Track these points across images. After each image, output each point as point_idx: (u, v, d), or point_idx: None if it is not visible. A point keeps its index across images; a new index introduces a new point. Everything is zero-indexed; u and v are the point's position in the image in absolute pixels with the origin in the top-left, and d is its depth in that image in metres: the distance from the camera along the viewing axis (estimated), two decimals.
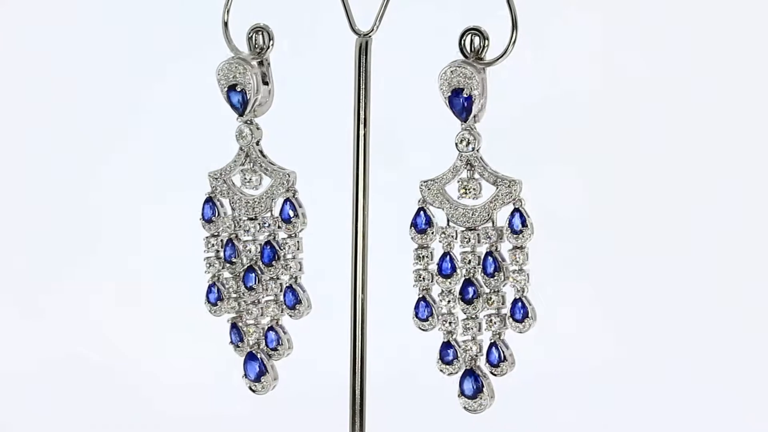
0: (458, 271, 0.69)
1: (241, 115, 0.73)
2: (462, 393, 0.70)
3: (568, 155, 1.34)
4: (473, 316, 0.69)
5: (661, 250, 1.33)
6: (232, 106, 0.74)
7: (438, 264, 0.70)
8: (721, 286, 1.32)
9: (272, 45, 0.73)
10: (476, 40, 0.68)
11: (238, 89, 0.73)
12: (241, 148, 0.74)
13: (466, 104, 0.67)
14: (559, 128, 1.33)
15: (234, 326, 0.75)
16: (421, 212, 0.70)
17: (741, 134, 1.33)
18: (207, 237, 0.76)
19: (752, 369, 1.27)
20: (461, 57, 0.68)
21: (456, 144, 0.69)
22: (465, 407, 0.70)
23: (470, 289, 0.69)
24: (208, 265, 0.75)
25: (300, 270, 0.73)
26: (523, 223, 0.68)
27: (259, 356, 0.75)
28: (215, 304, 0.75)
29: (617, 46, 1.34)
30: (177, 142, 1.33)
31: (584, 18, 1.33)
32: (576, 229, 1.33)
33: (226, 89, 0.73)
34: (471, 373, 0.70)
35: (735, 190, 1.33)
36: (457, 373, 0.70)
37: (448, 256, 0.69)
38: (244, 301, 0.75)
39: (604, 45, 1.34)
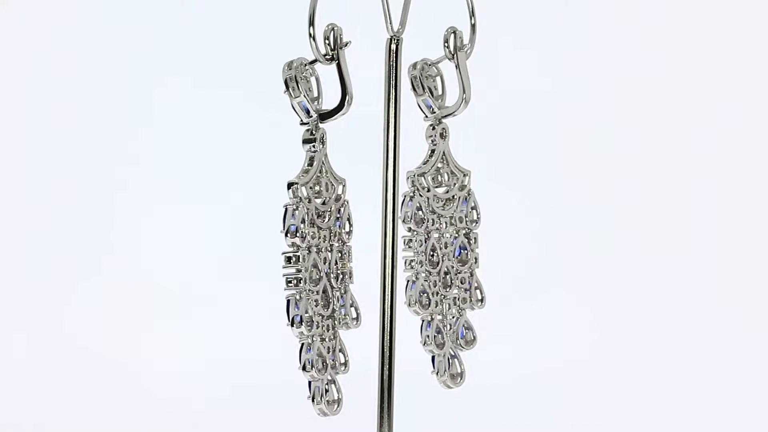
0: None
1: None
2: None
3: (561, 157, 1.35)
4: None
5: (648, 250, 1.34)
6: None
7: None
8: (707, 284, 1.33)
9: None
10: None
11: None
12: None
13: None
14: (553, 129, 1.34)
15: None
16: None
17: (731, 137, 1.35)
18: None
19: (738, 367, 1.28)
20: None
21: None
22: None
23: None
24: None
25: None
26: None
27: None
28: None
29: (616, 45, 1.35)
30: (184, 147, 1.34)
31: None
32: (566, 228, 1.34)
33: None
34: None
35: (721, 191, 1.35)
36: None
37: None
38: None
39: (604, 44, 1.35)
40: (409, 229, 0.71)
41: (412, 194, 0.72)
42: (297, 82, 0.69)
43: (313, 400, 0.71)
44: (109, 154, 1.34)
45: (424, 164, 0.73)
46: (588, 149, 1.32)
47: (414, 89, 0.73)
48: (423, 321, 0.72)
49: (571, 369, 1.25)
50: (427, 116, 0.73)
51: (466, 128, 1.14)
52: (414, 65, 0.73)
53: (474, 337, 0.75)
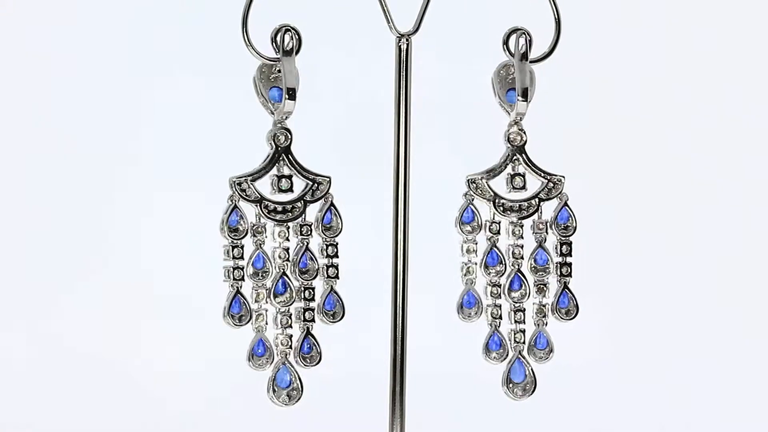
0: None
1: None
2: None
3: (561, 157, 1.35)
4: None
5: (654, 250, 1.34)
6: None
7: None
8: (716, 285, 1.33)
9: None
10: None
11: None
12: None
13: None
14: (552, 130, 1.34)
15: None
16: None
17: (733, 137, 1.35)
18: None
19: (747, 368, 1.29)
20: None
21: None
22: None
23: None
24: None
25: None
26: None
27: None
28: None
29: (616, 45, 1.35)
30: (182, 146, 1.34)
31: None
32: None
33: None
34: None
35: (727, 191, 1.35)
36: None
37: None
38: None
39: (602, 44, 1.35)
40: (461, 232, 0.71)
41: (471, 198, 0.72)
42: (261, 82, 0.71)
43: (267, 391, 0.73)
44: (109, 154, 1.34)
45: (492, 168, 0.73)
46: (589, 150, 1.33)
47: (493, 90, 0.72)
48: (490, 329, 0.72)
49: (579, 370, 1.25)
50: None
51: (464, 128, 1.14)
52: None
53: (551, 349, 0.74)
